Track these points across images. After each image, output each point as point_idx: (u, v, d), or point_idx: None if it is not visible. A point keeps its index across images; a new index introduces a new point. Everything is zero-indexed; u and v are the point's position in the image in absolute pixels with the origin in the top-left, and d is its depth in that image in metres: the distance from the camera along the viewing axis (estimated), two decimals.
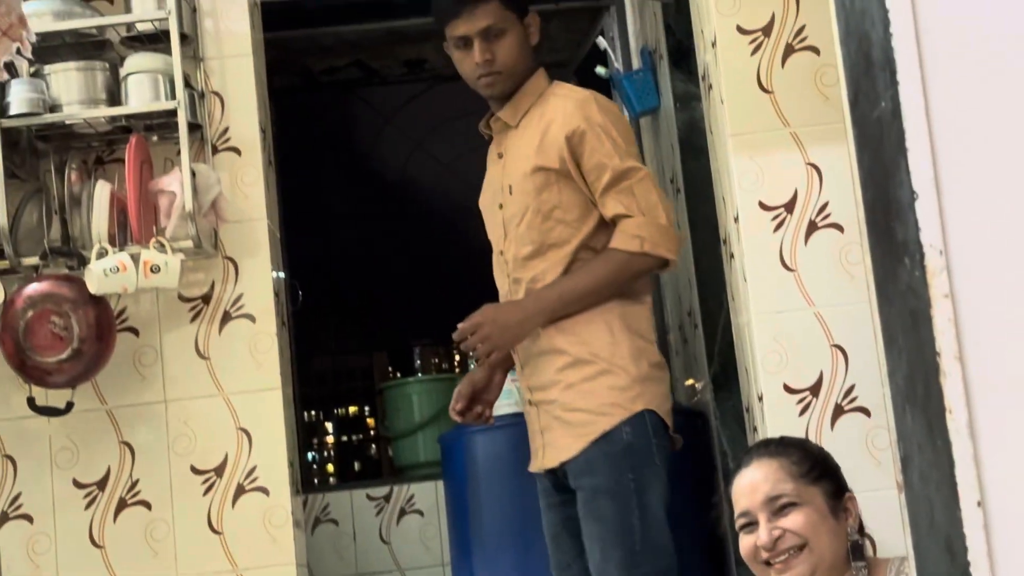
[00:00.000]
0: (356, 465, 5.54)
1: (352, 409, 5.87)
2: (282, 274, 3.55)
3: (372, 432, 5.73)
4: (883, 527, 2.97)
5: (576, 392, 3.06)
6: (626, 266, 3.03)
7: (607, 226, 3.04)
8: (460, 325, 3.04)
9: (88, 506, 3.29)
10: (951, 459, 1.23)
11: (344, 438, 5.79)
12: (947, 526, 1.25)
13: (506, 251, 3.15)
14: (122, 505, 3.29)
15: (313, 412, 5.72)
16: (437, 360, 5.48)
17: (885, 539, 2.95)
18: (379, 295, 5.93)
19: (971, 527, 1.22)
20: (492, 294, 3.20)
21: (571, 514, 3.10)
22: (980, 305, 1.25)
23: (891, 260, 1.33)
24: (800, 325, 3.10)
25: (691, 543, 3.97)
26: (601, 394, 3.03)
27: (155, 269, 3.13)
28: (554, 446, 3.09)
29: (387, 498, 4.65)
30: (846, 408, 3.07)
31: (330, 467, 5.55)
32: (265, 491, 3.31)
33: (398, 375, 5.59)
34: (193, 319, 3.36)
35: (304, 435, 5.30)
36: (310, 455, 5.60)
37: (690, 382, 4.34)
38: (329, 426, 5.71)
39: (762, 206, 3.14)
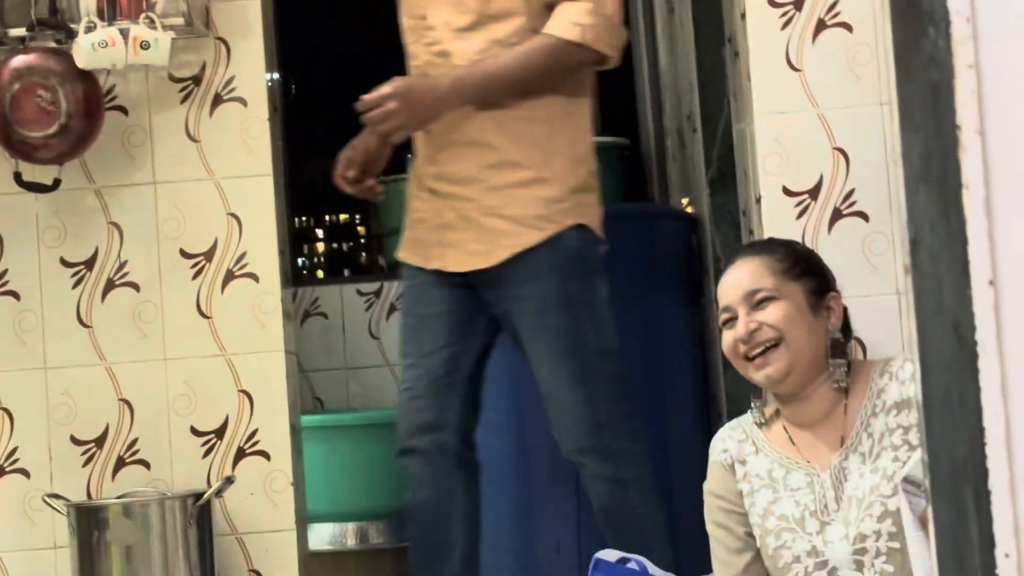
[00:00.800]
0: (345, 272, 5.52)
1: (343, 216, 5.82)
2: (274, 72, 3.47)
3: (363, 240, 5.69)
4: (877, 332, 2.97)
5: (500, 196, 2.86)
6: (560, 56, 2.78)
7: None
8: (365, 96, 2.81)
9: (76, 285, 3.26)
10: (964, 237, 1.19)
11: (335, 245, 5.77)
12: (955, 307, 1.21)
13: (431, 16, 2.90)
14: (110, 286, 3.27)
15: (304, 218, 5.68)
16: None
17: (879, 343, 2.94)
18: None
19: (981, 307, 1.18)
20: None
21: (455, 310, 2.96)
22: (1005, 78, 1.19)
23: (913, 31, 1.27)
24: (803, 127, 3.04)
25: (681, 352, 3.98)
26: (530, 204, 2.86)
27: (145, 45, 3.05)
28: (462, 249, 2.92)
29: (377, 294, 4.64)
30: (845, 212, 3.03)
31: (320, 273, 5.53)
32: (255, 278, 3.28)
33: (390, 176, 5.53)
34: (183, 100, 3.29)
35: (294, 240, 5.27)
36: (300, 260, 5.56)
37: (685, 201, 4.30)
38: (320, 232, 5.68)
39: (771, 2, 3.06)
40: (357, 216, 5.77)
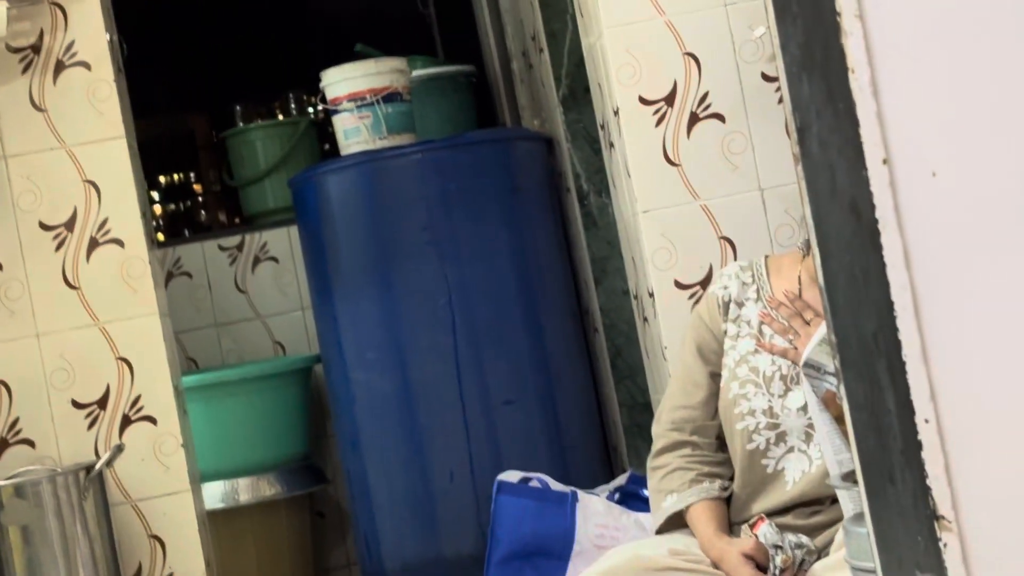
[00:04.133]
0: (186, 232, 5.45)
1: (176, 176, 5.73)
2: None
3: (200, 198, 5.62)
4: (744, 230, 3.03)
5: None
6: None
7: None
8: None
9: None
10: (855, 119, 1.23)
11: (172, 206, 5.68)
12: (851, 188, 1.25)
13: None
14: None
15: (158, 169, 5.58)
16: (260, 119, 5.33)
17: (745, 240, 3.01)
18: (196, 53, 5.74)
19: (877, 185, 1.22)
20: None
21: None
22: None
23: None
24: (652, 35, 3.08)
25: (552, 271, 4.02)
26: None
27: None
28: None
29: (239, 247, 4.60)
30: (701, 116, 3.08)
31: (160, 236, 5.44)
32: (120, 243, 3.23)
33: (217, 136, 5.46)
34: (25, 70, 3.21)
35: (150, 189, 5.18)
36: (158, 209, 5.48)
37: (536, 123, 4.32)
38: (155, 195, 5.59)
39: None
40: (192, 174, 5.69)
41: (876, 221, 1.22)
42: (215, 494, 4.10)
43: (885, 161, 1.22)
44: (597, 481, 3.62)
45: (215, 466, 4.09)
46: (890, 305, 1.22)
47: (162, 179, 5.69)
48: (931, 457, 1.22)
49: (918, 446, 1.22)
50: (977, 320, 1.22)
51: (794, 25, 1.31)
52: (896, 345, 1.22)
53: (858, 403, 1.33)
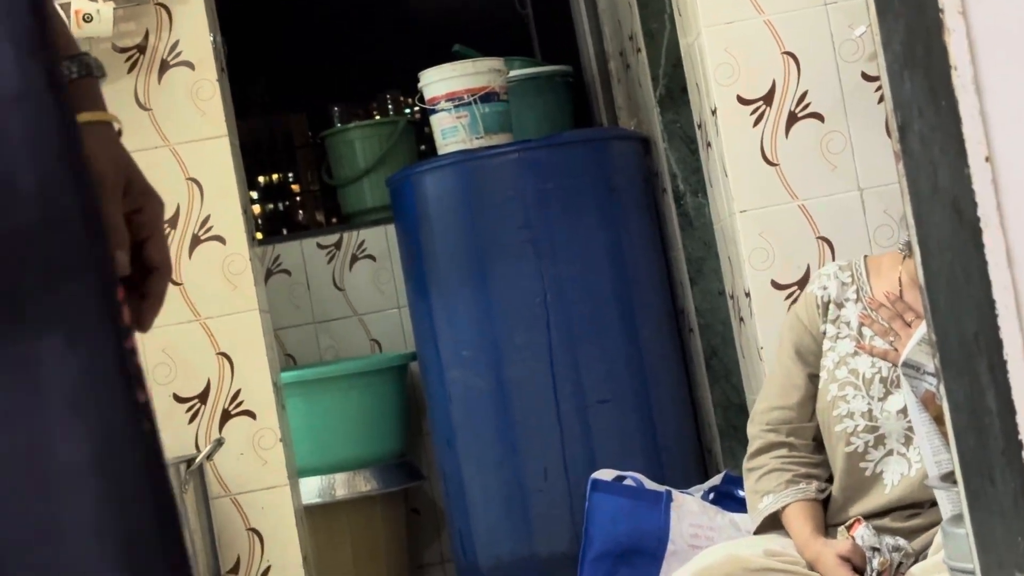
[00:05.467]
0: (284, 231, 5.52)
1: (275, 176, 5.81)
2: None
3: (298, 197, 5.69)
4: (842, 230, 3.01)
5: None
6: None
7: None
8: None
9: None
10: (957, 117, 1.22)
11: (271, 205, 5.75)
12: (953, 186, 1.24)
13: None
14: None
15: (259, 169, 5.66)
16: (357, 120, 5.39)
17: (844, 241, 2.99)
18: (295, 54, 5.81)
19: (980, 183, 1.21)
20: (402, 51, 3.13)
21: None
22: None
23: None
24: (750, 34, 3.07)
25: (647, 271, 4.02)
26: None
27: (87, 18, 3.03)
28: None
29: (337, 245, 4.65)
30: (800, 115, 3.06)
31: (259, 235, 5.51)
32: (222, 240, 3.28)
33: (314, 137, 5.53)
34: (130, 70, 3.28)
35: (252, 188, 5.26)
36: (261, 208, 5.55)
37: (633, 124, 4.32)
38: (254, 195, 5.66)
39: None
40: (290, 174, 5.76)
41: (978, 220, 1.21)
42: (312, 489, 4.14)
43: (987, 159, 1.21)
44: (691, 481, 3.61)
45: (312, 462, 4.13)
46: (992, 304, 1.21)
47: (261, 179, 5.77)
48: None
49: (1019, 446, 1.21)
50: None
51: (896, 22, 1.30)
52: (997, 344, 1.21)
53: (958, 403, 1.32)
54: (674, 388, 4.00)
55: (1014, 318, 1.21)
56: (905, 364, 1.99)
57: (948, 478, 1.96)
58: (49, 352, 0.94)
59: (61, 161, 0.99)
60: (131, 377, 1.03)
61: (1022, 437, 1.21)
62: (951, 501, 2.09)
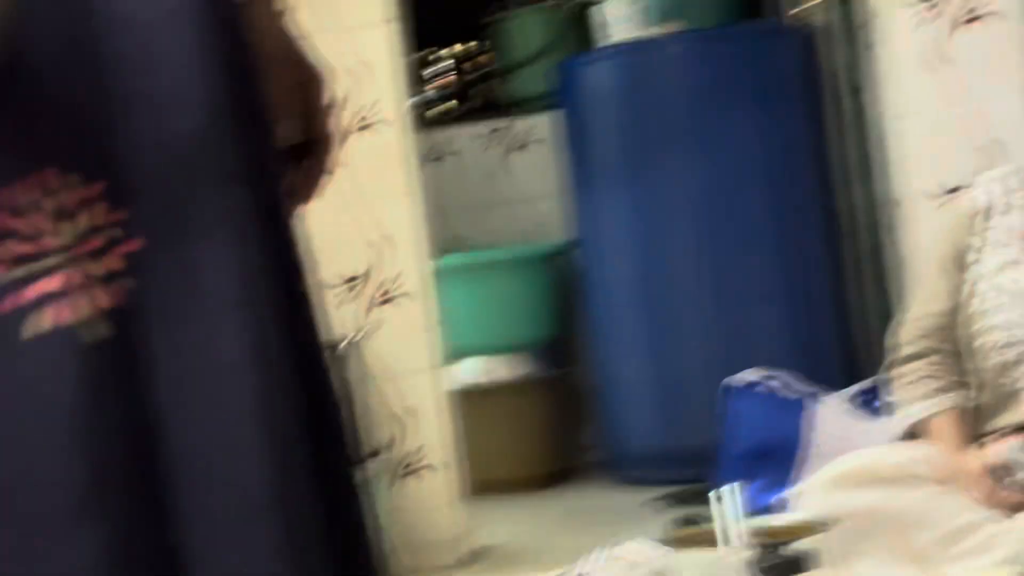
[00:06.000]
0: (474, 101, 5.51)
1: (462, 47, 5.79)
2: None
3: (487, 69, 5.66)
4: (1008, 136, 2.94)
5: None
6: None
7: None
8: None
9: None
10: None
11: (459, 75, 5.73)
12: None
13: None
14: None
15: (427, 49, 5.66)
16: (529, 4, 5.34)
17: (1009, 147, 2.91)
18: None
19: None
20: None
21: None
22: None
23: None
24: None
25: (805, 168, 3.97)
26: None
27: None
28: None
29: (503, 131, 4.68)
30: (969, 18, 2.98)
31: (448, 104, 5.53)
32: (385, 124, 3.33)
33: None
34: None
35: (419, 72, 5.29)
36: (426, 92, 5.57)
37: (801, 18, 4.24)
38: (444, 63, 5.65)
39: None
40: (485, 42, 5.67)
41: None
42: (470, 370, 4.23)
43: None
44: (842, 384, 3.59)
45: (472, 343, 4.22)
46: None
47: (452, 47, 5.70)
48: None
49: None
50: None
51: None
52: None
53: None
54: (828, 290, 3.97)
55: None
56: None
57: None
58: (214, 253, 1.01)
59: (227, 70, 1.04)
60: (291, 271, 1.11)
61: None
62: None
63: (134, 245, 1.00)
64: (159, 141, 1.01)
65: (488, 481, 4.17)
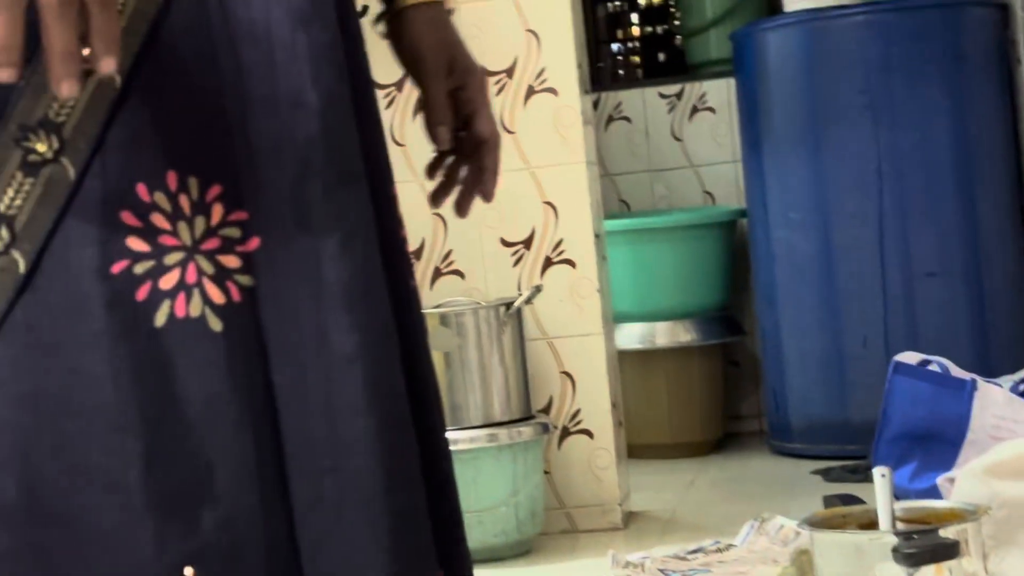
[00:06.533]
0: (661, 56, 5.47)
1: (645, 3, 5.75)
2: None
3: (677, 23, 5.62)
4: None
5: None
6: None
7: None
8: None
9: (389, 105, 3.42)
10: None
11: (649, 29, 5.70)
12: None
13: None
14: None
15: (617, 3, 5.64)
16: None
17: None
18: None
19: None
20: None
21: None
22: None
23: None
24: None
25: (992, 142, 3.89)
26: None
27: None
28: None
29: (679, 95, 4.67)
30: None
31: (636, 58, 5.50)
32: (554, 92, 3.37)
33: None
34: None
35: (609, 28, 5.28)
36: (615, 47, 5.55)
37: None
38: (634, 17, 5.62)
39: None
40: (668, 4, 5.64)
41: None
42: (633, 335, 4.25)
43: None
44: (1018, 365, 3.53)
45: (636, 308, 4.24)
46: None
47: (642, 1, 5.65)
48: None
49: None
50: None
51: None
52: None
53: None
54: (1009, 268, 3.90)
55: None
56: None
57: None
58: (329, 252, 1.05)
59: (341, 79, 1.09)
60: (401, 268, 1.16)
61: None
62: None
63: (252, 244, 1.05)
64: (276, 144, 1.05)
65: (648, 446, 4.20)
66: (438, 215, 3.40)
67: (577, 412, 3.39)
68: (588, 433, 3.38)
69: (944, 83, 3.86)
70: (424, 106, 1.29)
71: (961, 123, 3.87)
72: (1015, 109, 3.93)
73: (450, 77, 1.30)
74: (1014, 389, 2.95)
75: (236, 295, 1.04)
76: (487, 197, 1.33)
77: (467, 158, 1.32)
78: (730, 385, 4.53)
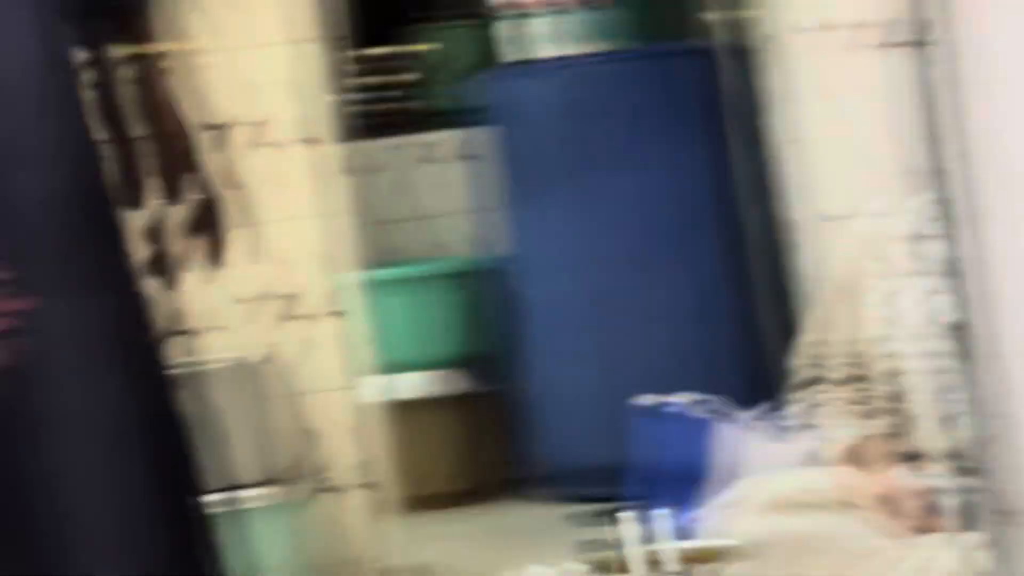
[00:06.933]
0: (414, 105, 5.43)
1: (382, 57, 5.70)
2: None
3: (428, 72, 5.60)
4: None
5: None
6: None
7: None
8: None
9: None
10: None
11: (400, 78, 5.66)
12: None
13: None
14: None
15: (351, 58, 5.58)
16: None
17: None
18: None
19: None
20: None
21: None
22: None
23: None
24: None
25: (706, 186, 3.97)
26: None
27: None
28: None
29: (436, 145, 4.68)
30: (873, 41, 2.98)
31: (387, 107, 5.45)
32: (303, 142, 3.31)
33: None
34: None
35: (361, 77, 5.23)
36: (364, 96, 5.49)
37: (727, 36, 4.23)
38: (384, 67, 5.59)
39: None
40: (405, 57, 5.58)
41: None
42: (404, 385, 4.21)
43: None
44: (753, 402, 3.60)
45: (407, 358, 4.20)
46: None
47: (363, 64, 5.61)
48: None
49: None
50: None
51: None
52: None
53: None
54: (744, 308, 3.98)
55: None
56: None
57: None
58: (85, 308, 1.07)
59: (74, 135, 1.06)
60: (145, 326, 1.18)
61: None
62: None
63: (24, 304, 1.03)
64: (32, 201, 1.04)
65: (414, 497, 4.15)
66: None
67: (336, 467, 3.32)
68: (346, 488, 3.32)
69: (689, 128, 3.94)
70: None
71: (713, 167, 3.95)
72: (730, 153, 4.02)
73: (167, 136, 1.28)
74: (752, 424, 3.00)
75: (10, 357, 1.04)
76: (216, 264, 1.33)
77: (197, 224, 1.32)
78: (501, 432, 4.52)
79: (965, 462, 2.50)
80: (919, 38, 1.21)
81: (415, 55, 4.97)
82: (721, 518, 2.59)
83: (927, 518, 2.47)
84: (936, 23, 1.18)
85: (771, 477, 2.64)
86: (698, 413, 2.85)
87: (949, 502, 2.48)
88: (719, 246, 3.96)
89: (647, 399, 2.85)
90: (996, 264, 1.23)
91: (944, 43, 1.17)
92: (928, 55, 1.16)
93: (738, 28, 3.81)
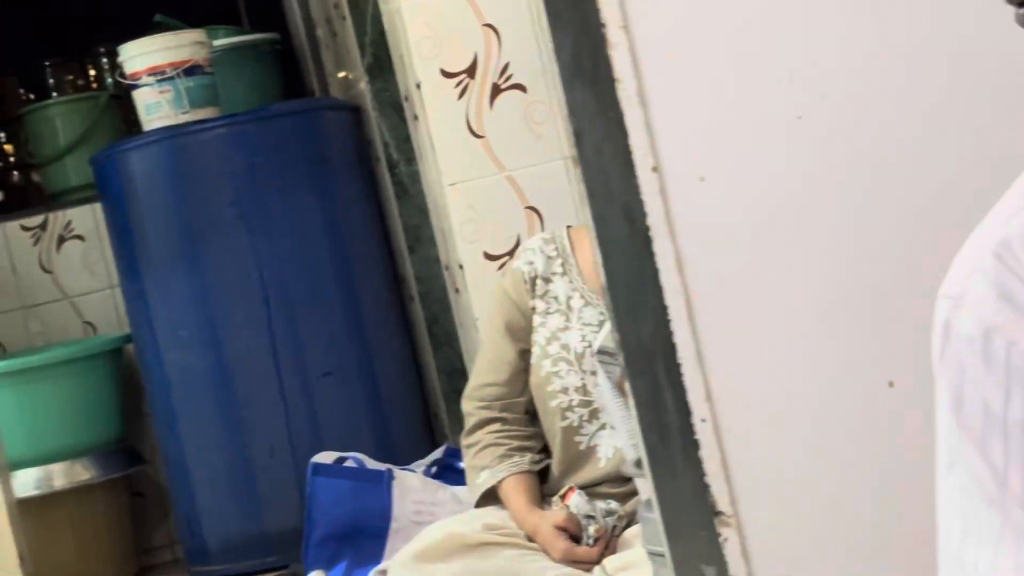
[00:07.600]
0: (18, 186, 5.24)
1: None
2: None
3: (12, 159, 5.42)
4: (549, 200, 3.06)
5: None
6: None
7: None
8: None
9: None
10: (624, 128, 1.25)
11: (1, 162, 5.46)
12: (624, 194, 1.27)
13: None
14: None
15: None
16: (72, 77, 5.20)
17: (552, 209, 3.03)
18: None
19: (648, 192, 1.24)
20: None
21: None
22: None
23: None
24: (450, 7, 3.07)
25: (364, 240, 4.01)
26: None
27: None
28: None
29: (43, 227, 4.49)
30: (503, 87, 3.09)
31: None
32: None
33: (31, 97, 5.28)
34: None
35: None
36: None
37: (342, 74, 4.29)
38: None
39: None
40: (1, 134, 5.43)
41: (648, 228, 1.24)
42: (28, 481, 4.02)
43: (655, 168, 1.24)
44: (419, 450, 3.63)
45: (27, 453, 4.01)
46: (664, 309, 1.25)
47: None
48: (708, 455, 1.25)
49: (696, 445, 1.26)
50: (749, 321, 1.26)
51: (565, 34, 1.32)
52: (671, 348, 1.25)
53: (642, 400, 1.36)
54: (398, 357, 4.01)
55: (686, 322, 1.25)
56: (600, 351, 2.03)
57: (640, 464, 2.02)
58: None
59: None
60: None
61: (698, 436, 1.26)
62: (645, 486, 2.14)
63: None
64: None
65: None
66: None
67: None
68: None
69: (311, 187, 3.93)
70: None
71: (333, 223, 3.96)
72: (380, 204, 4.07)
73: None
74: (427, 473, 3.03)
75: None
76: None
77: None
78: (139, 517, 4.37)
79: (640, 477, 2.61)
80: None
81: (26, 135, 4.78)
82: (398, 572, 2.59)
83: (603, 542, 2.55)
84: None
85: (446, 524, 2.66)
86: (373, 466, 2.85)
87: (622, 525, 2.57)
88: (371, 296, 3.97)
89: (322, 457, 2.84)
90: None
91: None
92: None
93: (363, 84, 3.86)
